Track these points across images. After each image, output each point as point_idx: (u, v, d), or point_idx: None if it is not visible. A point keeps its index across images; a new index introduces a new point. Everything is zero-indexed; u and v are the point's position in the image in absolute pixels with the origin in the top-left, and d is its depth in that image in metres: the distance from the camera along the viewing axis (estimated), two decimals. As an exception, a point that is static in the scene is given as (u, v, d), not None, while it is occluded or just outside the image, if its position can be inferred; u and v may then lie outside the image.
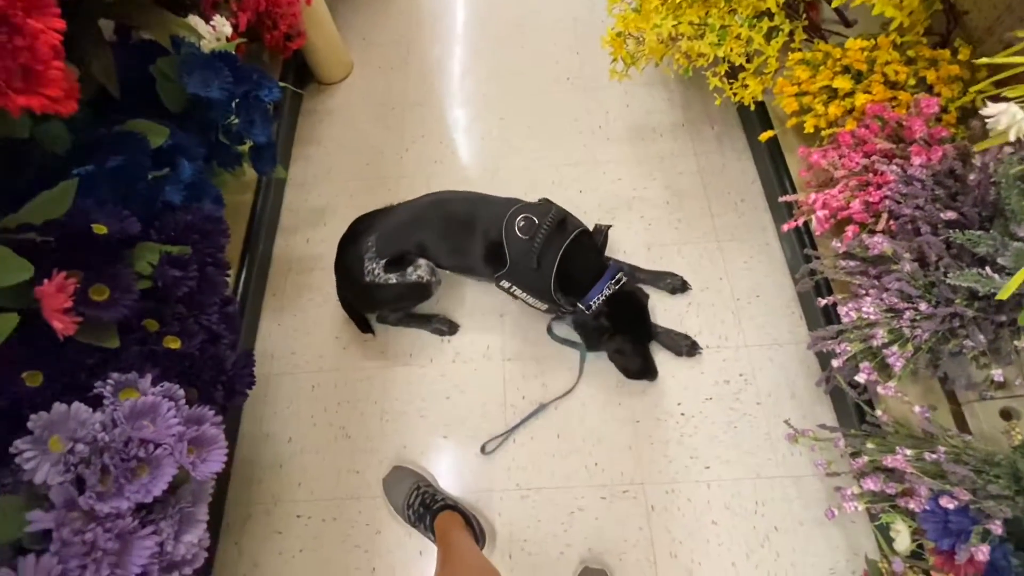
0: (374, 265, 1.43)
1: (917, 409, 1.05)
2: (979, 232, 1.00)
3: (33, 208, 0.84)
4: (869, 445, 1.08)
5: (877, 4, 1.30)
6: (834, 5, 1.44)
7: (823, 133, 1.39)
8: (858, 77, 1.37)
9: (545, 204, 1.43)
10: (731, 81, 1.55)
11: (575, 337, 1.55)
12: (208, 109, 1.29)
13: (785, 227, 1.37)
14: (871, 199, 1.20)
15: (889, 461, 1.00)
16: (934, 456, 0.97)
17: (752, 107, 1.56)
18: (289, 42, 1.83)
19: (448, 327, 1.60)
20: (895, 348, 1.05)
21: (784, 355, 1.50)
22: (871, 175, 1.24)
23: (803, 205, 1.34)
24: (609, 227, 1.51)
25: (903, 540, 1.01)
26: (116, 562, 0.75)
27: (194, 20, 1.37)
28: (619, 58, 1.64)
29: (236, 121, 1.36)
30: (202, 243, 1.11)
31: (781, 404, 1.44)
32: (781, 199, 1.45)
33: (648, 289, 1.52)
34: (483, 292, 1.67)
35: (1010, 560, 0.90)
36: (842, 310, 1.14)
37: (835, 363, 1.13)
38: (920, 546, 1.01)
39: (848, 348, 1.11)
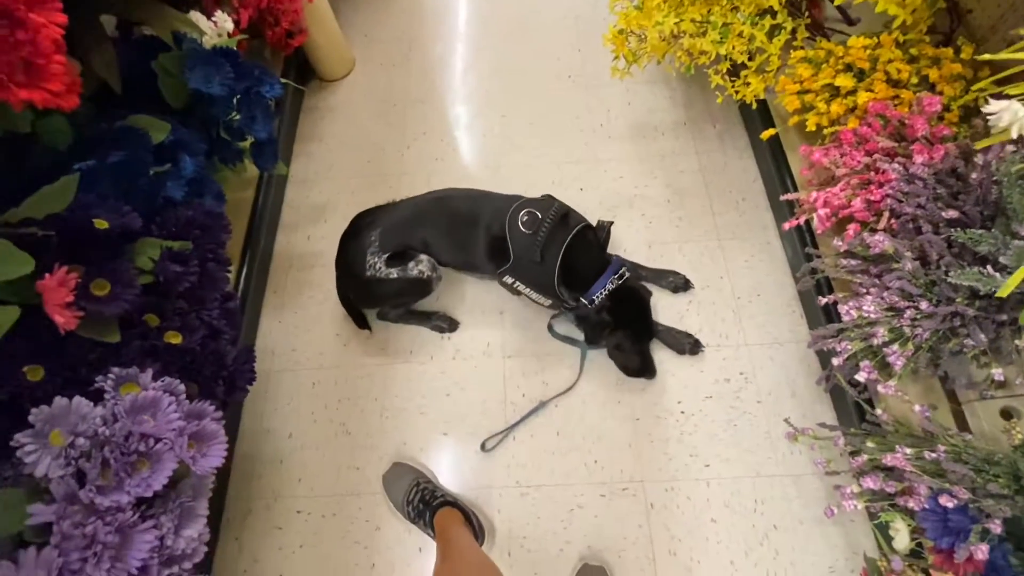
0: (376, 259, 1.44)
1: (917, 408, 1.05)
2: (980, 231, 1.00)
3: (34, 202, 0.84)
4: (869, 444, 1.08)
5: (880, 2, 1.30)
6: (836, 3, 1.44)
7: (825, 131, 1.39)
8: (860, 75, 1.37)
9: (548, 199, 1.43)
10: (733, 79, 1.55)
11: (576, 335, 1.55)
12: (210, 105, 1.29)
13: (786, 225, 1.37)
14: (872, 197, 1.20)
15: (889, 460, 1.00)
16: (934, 455, 0.97)
17: (754, 105, 1.56)
18: (291, 39, 1.83)
19: (448, 324, 1.60)
20: (896, 347, 1.05)
21: (784, 354, 1.50)
22: (873, 173, 1.24)
23: (804, 203, 1.34)
24: (611, 223, 1.51)
25: (902, 539, 1.01)
26: (116, 555, 0.75)
27: (196, 16, 1.37)
28: (621, 55, 1.63)
29: (237, 117, 1.36)
30: (203, 239, 1.11)
31: (781, 403, 1.44)
32: (782, 197, 1.44)
33: (650, 287, 1.52)
34: (483, 290, 1.67)
35: (1009, 559, 0.90)
36: (843, 309, 1.14)
37: (835, 361, 1.13)
38: (919, 545, 1.01)
39: (848, 347, 1.11)
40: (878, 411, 1.12)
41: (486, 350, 1.58)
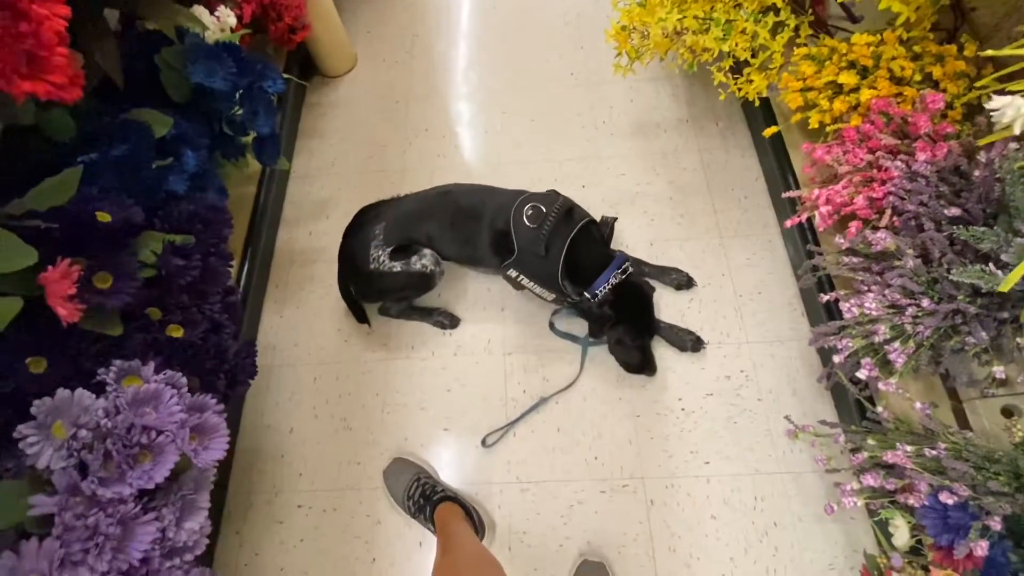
0: (380, 253, 1.44)
1: (918, 406, 1.05)
2: (983, 228, 1.00)
3: (38, 195, 0.84)
4: (869, 441, 1.08)
5: (883, -1, 1.30)
6: (840, 0, 1.43)
7: (828, 129, 1.39)
8: (863, 73, 1.36)
9: (552, 194, 1.43)
10: (736, 76, 1.54)
11: (577, 332, 1.55)
12: (212, 99, 1.29)
13: (788, 223, 1.37)
14: (875, 195, 1.20)
15: (889, 457, 1.00)
16: (934, 452, 0.97)
17: (757, 103, 1.56)
18: (293, 34, 1.83)
19: (449, 320, 1.61)
20: (897, 344, 1.05)
21: (785, 352, 1.50)
22: (875, 171, 1.24)
23: (806, 201, 1.34)
24: (615, 219, 1.52)
25: (902, 536, 1.01)
26: (118, 547, 0.75)
27: (199, 11, 1.37)
28: (623, 52, 1.63)
29: (240, 112, 1.36)
30: (205, 233, 1.11)
31: (782, 400, 1.44)
32: (785, 195, 1.44)
33: (652, 284, 1.52)
34: (485, 286, 1.67)
35: (1009, 556, 0.90)
36: (844, 306, 1.14)
37: (836, 359, 1.13)
38: (919, 542, 1.01)
39: (850, 344, 1.11)
40: (879, 408, 1.12)
41: (487, 346, 1.59)
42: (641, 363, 1.43)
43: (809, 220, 1.37)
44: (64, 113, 0.99)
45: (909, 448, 0.99)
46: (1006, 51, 0.97)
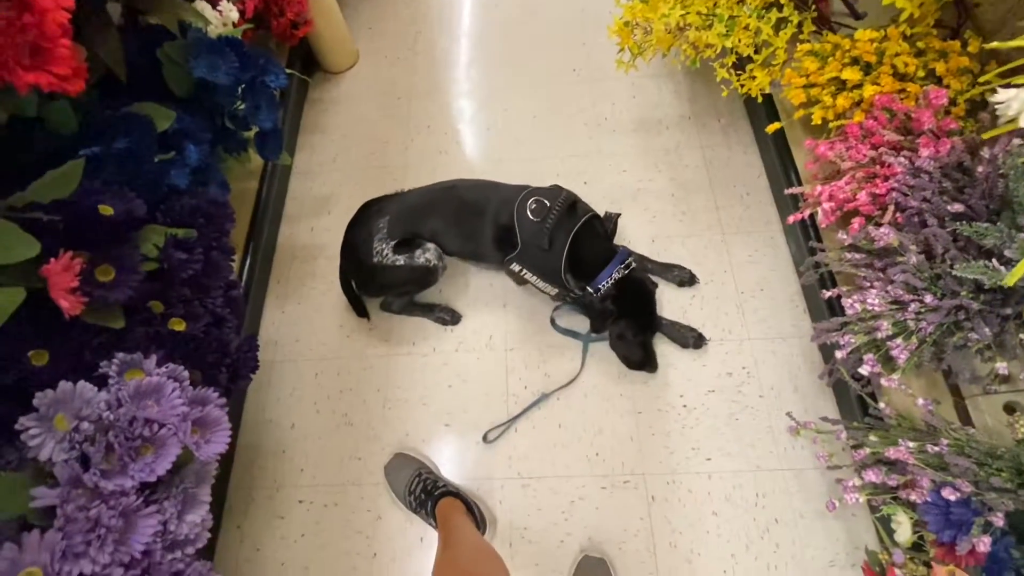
0: (384, 246, 1.44)
1: (920, 402, 1.05)
2: (986, 224, 0.99)
3: (40, 187, 0.84)
4: (871, 438, 1.08)
5: (887, -5, 1.29)
6: (844, -4, 1.43)
7: (831, 125, 1.38)
8: (867, 69, 1.36)
9: (556, 189, 1.43)
10: (738, 73, 1.54)
11: (578, 328, 1.55)
12: (214, 94, 1.29)
13: (791, 219, 1.36)
14: (878, 191, 1.19)
15: (892, 453, 1.00)
16: (936, 448, 0.97)
17: (759, 99, 1.56)
18: (295, 30, 1.83)
19: (451, 316, 1.61)
20: (899, 340, 1.05)
21: (787, 349, 1.50)
22: (878, 167, 1.23)
23: (809, 197, 1.34)
24: (619, 215, 1.52)
25: (904, 532, 1.01)
26: (119, 539, 0.75)
27: (201, 5, 1.37)
28: (626, 48, 1.63)
29: (242, 106, 1.36)
30: (207, 227, 1.11)
31: (783, 397, 1.44)
32: (787, 191, 1.44)
33: (655, 280, 1.52)
34: (486, 283, 1.67)
35: (1011, 553, 0.90)
36: (846, 302, 1.14)
37: (839, 355, 1.13)
38: (921, 538, 1.01)
39: (852, 340, 1.11)
40: (881, 405, 1.12)
41: (488, 342, 1.59)
42: (642, 359, 1.43)
43: (811, 216, 1.37)
44: (67, 106, 0.99)
45: (911, 444, 0.99)
46: (1013, 43, 0.97)
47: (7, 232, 0.77)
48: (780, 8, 1.43)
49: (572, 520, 1.35)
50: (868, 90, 1.31)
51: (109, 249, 0.90)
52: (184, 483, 0.85)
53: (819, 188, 1.30)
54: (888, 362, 1.08)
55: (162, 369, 0.87)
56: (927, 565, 0.98)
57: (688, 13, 1.45)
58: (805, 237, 1.47)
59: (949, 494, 0.92)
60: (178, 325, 1.01)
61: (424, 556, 1.35)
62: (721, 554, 1.29)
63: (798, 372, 1.46)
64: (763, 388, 1.45)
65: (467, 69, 2.17)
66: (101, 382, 0.82)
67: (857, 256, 1.20)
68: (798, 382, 1.45)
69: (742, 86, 1.54)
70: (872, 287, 1.12)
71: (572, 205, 1.40)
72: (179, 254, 1.00)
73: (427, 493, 1.31)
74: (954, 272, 0.99)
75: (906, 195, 1.15)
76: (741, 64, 1.54)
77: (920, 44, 1.35)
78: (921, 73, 1.31)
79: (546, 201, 1.38)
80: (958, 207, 1.07)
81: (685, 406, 1.45)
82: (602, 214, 1.49)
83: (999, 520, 0.89)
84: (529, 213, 1.37)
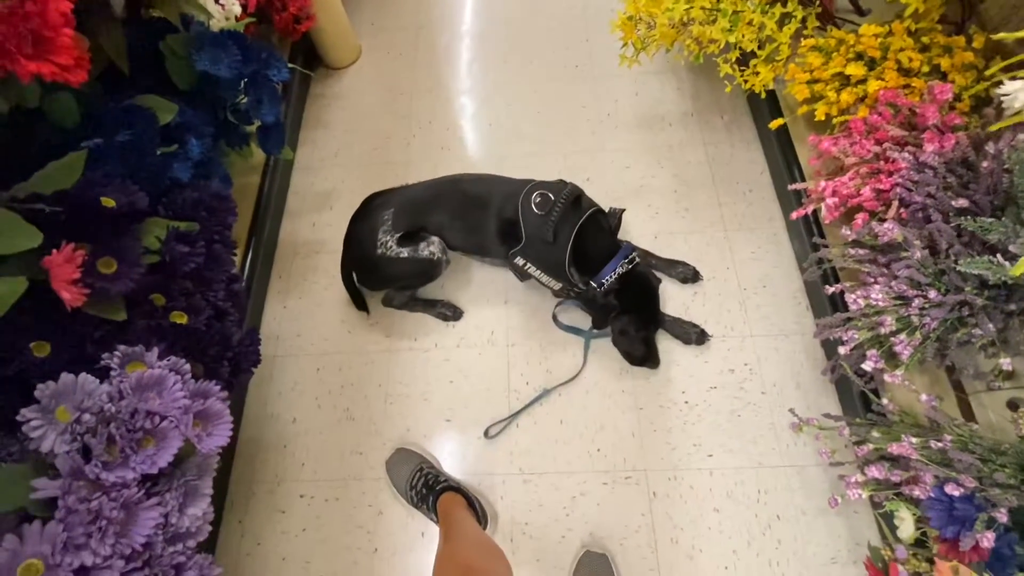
0: (388, 238, 1.44)
1: (924, 398, 1.05)
2: (990, 219, 0.99)
3: (43, 178, 0.84)
4: (874, 434, 1.08)
5: (892, -10, 1.29)
6: (848, -8, 1.43)
7: (834, 121, 1.38)
8: (871, 64, 1.35)
9: (560, 183, 1.43)
10: (742, 68, 1.53)
11: (580, 325, 1.55)
12: (217, 87, 1.29)
13: (795, 214, 1.36)
14: (882, 187, 1.19)
15: (895, 449, 0.99)
16: (940, 444, 0.97)
17: (763, 95, 1.55)
18: (298, 24, 1.83)
19: (452, 312, 1.60)
20: (903, 336, 1.04)
21: (790, 345, 1.49)
22: (882, 162, 1.23)
23: (813, 193, 1.33)
24: (623, 210, 1.52)
25: (907, 528, 1.00)
26: (121, 531, 0.75)
27: (203, -2, 1.36)
28: (629, 43, 1.62)
29: (245, 100, 1.36)
30: (210, 220, 1.11)
31: (786, 394, 1.43)
32: (791, 187, 1.44)
33: (658, 276, 1.52)
34: (488, 278, 1.66)
35: (1014, 549, 0.90)
36: (850, 298, 1.13)
37: (842, 351, 1.12)
38: (924, 534, 1.01)
39: (855, 336, 1.10)
40: (884, 401, 1.12)
41: (490, 338, 1.58)
42: (644, 355, 1.43)
43: (815, 213, 1.37)
44: (69, 97, 0.99)
45: (914, 440, 0.99)
46: (1020, 34, 0.96)
47: (9, 223, 0.76)
48: (784, 3, 1.43)
49: (573, 516, 1.35)
50: (872, 85, 1.31)
51: (111, 241, 0.90)
52: (186, 476, 0.85)
53: (823, 184, 1.29)
54: (891, 358, 1.08)
55: (164, 362, 0.87)
56: (930, 561, 0.98)
57: (692, 8, 1.45)
58: (808, 233, 1.47)
59: (952, 490, 0.92)
60: (180, 318, 1.01)
61: (425, 551, 1.35)
62: (723, 550, 1.29)
63: (800, 369, 1.46)
64: (765, 385, 1.45)
65: (469, 65, 2.17)
66: (103, 374, 0.82)
67: (861, 252, 1.20)
68: (800, 379, 1.45)
69: (745, 82, 1.53)
70: (876, 283, 1.12)
71: (577, 199, 1.40)
72: (181, 247, 1.00)
73: (428, 488, 1.30)
74: (958, 268, 0.98)
75: (910, 190, 1.14)
76: (745, 60, 1.54)
77: (924, 39, 1.34)
78: (926, 68, 1.31)
79: (551, 195, 1.38)
80: (962, 202, 1.07)
81: (687, 402, 1.45)
82: (606, 210, 1.49)
83: (1003, 516, 0.88)
84: (533, 206, 1.37)
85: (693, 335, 1.49)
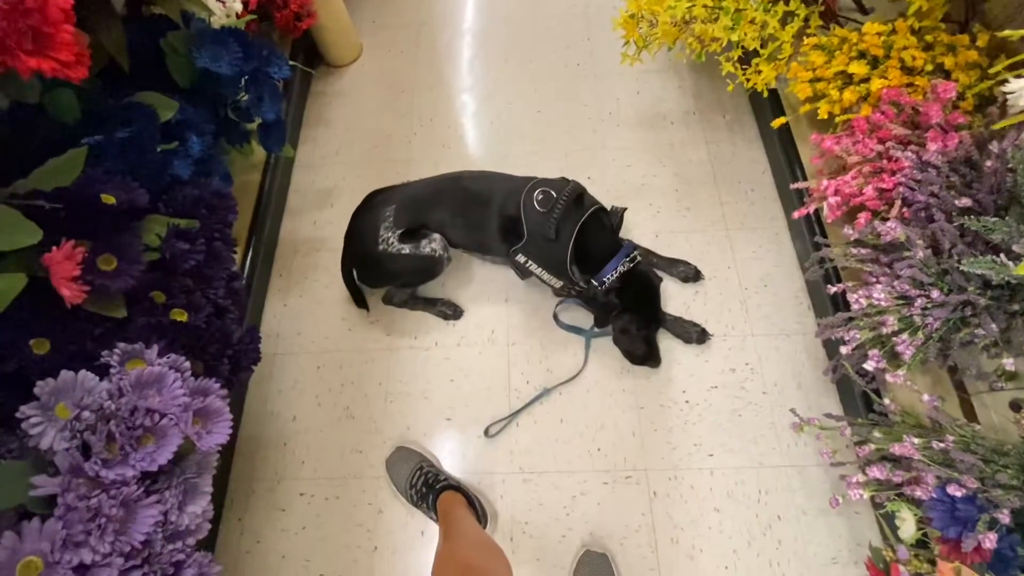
0: (389, 234, 1.44)
1: (926, 398, 1.04)
2: (994, 219, 0.98)
3: (43, 174, 0.84)
4: (876, 434, 1.07)
5: (895, -12, 1.28)
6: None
7: (837, 119, 1.38)
8: (874, 62, 1.35)
9: (563, 180, 1.43)
10: (744, 67, 1.53)
11: (581, 324, 1.54)
12: (217, 85, 1.28)
13: (797, 213, 1.36)
14: (885, 186, 1.18)
15: (896, 449, 0.99)
16: (942, 444, 0.96)
17: (765, 94, 1.55)
18: (299, 21, 1.82)
19: (453, 311, 1.60)
20: (905, 336, 1.04)
21: (791, 345, 1.49)
22: (885, 161, 1.22)
23: (815, 192, 1.33)
24: (625, 209, 1.51)
25: (908, 528, 1.00)
26: (120, 529, 0.75)
27: (204, -5, 1.36)
28: (631, 41, 1.62)
29: (245, 97, 1.36)
30: (210, 218, 1.11)
31: (787, 394, 1.43)
32: (793, 186, 1.43)
33: (659, 275, 1.52)
34: (489, 277, 1.66)
35: (1017, 550, 0.90)
36: (852, 297, 1.13)
37: (843, 350, 1.12)
38: (925, 535, 1.01)
39: (857, 335, 1.10)
40: (885, 401, 1.11)
41: (491, 336, 1.58)
42: (645, 354, 1.42)
43: (817, 212, 1.36)
44: (70, 94, 0.99)
45: (916, 440, 0.98)
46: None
47: (9, 219, 0.76)
48: (787, 2, 1.42)
49: (573, 515, 1.35)
50: (875, 84, 1.30)
51: (111, 238, 0.90)
52: (185, 473, 0.85)
53: (825, 183, 1.29)
54: (893, 358, 1.08)
55: (164, 359, 0.87)
56: (931, 562, 0.98)
57: (694, 6, 1.44)
58: (810, 233, 1.46)
59: (954, 490, 0.91)
60: (180, 315, 1.00)
61: (425, 550, 1.35)
62: (723, 550, 1.29)
63: (802, 368, 1.46)
64: (766, 384, 1.45)
65: (471, 63, 2.16)
66: (102, 371, 0.82)
67: (863, 251, 1.19)
68: (801, 378, 1.44)
69: (748, 80, 1.52)
70: (878, 282, 1.11)
71: (579, 196, 1.40)
72: (181, 244, 1.00)
73: (428, 487, 1.30)
74: (961, 267, 0.98)
75: (913, 189, 1.14)
76: (747, 58, 1.53)
77: (928, 38, 1.33)
78: (929, 67, 1.30)
79: (553, 192, 1.38)
80: (966, 202, 1.06)
81: (688, 402, 1.45)
82: (608, 207, 1.48)
83: (1005, 517, 0.88)
84: (536, 204, 1.37)
85: (694, 334, 1.49)
